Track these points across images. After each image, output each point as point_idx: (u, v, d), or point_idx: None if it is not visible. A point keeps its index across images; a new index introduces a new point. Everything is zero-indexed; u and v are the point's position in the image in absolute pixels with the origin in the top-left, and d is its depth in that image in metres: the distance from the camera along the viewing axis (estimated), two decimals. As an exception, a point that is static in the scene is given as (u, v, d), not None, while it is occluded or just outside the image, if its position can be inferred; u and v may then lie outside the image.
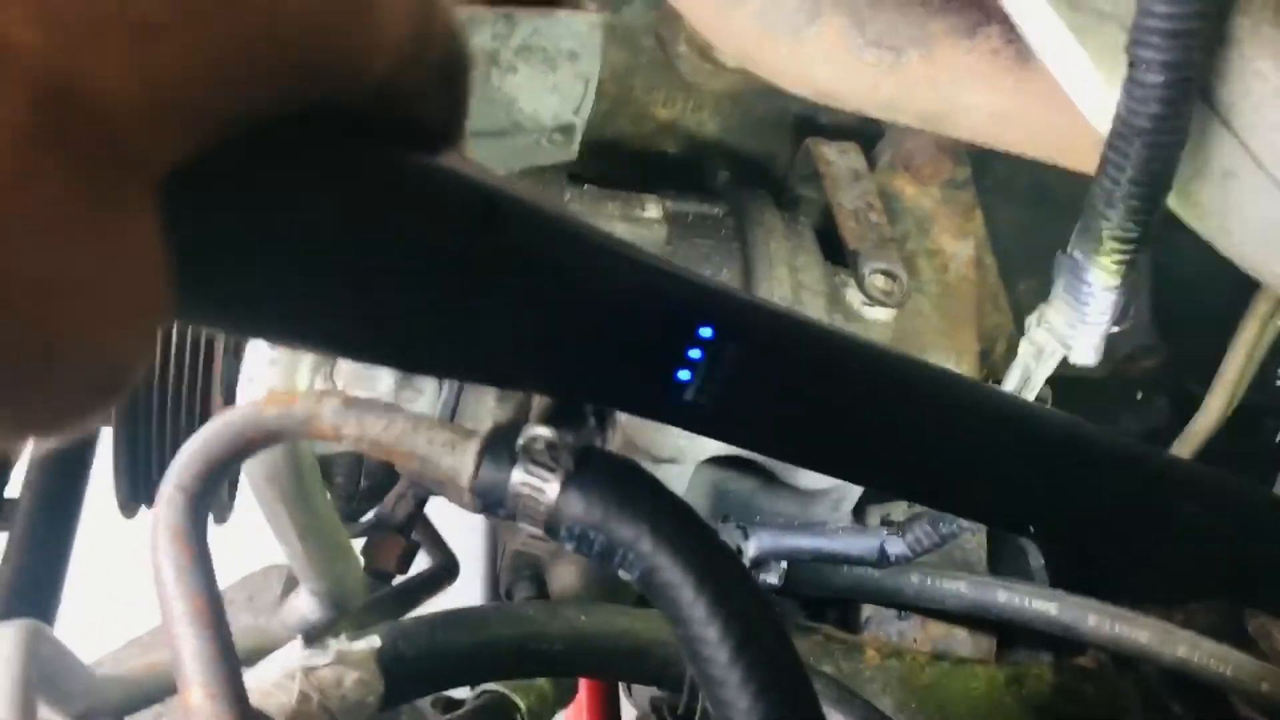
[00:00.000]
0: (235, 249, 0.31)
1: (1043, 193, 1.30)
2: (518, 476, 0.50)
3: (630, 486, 0.50)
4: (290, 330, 0.36)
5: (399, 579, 1.27)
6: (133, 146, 0.23)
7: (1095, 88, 0.62)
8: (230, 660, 0.48)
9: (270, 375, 0.56)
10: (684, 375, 0.44)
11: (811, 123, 1.22)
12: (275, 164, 0.31)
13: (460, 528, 1.46)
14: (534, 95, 0.86)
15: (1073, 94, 0.64)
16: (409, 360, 0.42)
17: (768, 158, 1.22)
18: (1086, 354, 0.71)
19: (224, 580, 0.53)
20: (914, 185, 1.18)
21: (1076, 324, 0.68)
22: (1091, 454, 0.52)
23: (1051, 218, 1.27)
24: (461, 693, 0.92)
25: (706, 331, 0.43)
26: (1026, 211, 1.31)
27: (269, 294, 0.34)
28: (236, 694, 0.47)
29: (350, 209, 0.33)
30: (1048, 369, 0.72)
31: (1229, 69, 0.58)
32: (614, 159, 1.13)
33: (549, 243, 0.40)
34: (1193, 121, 0.60)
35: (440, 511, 1.34)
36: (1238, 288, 1.27)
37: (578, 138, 0.91)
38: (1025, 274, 1.31)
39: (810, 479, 0.81)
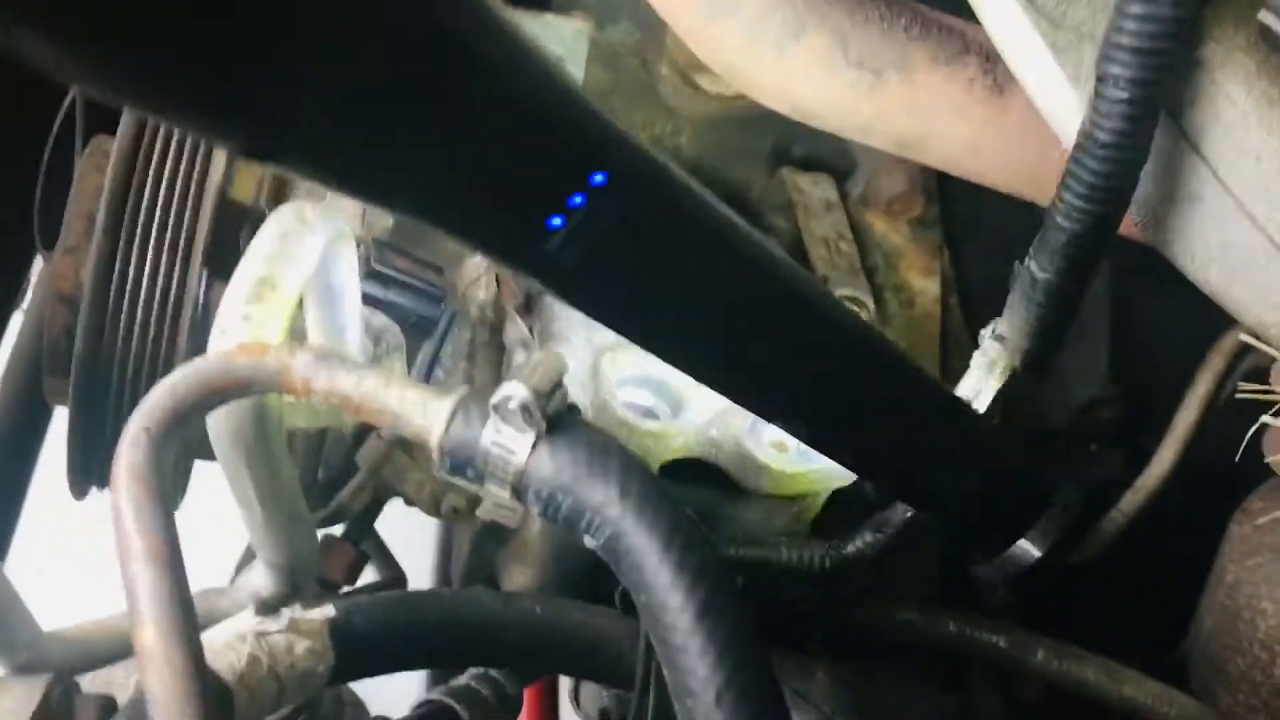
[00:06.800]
0: None
1: (1008, 237, 1.32)
2: (489, 435, 0.50)
3: (601, 451, 0.50)
4: None
5: (345, 590, 1.26)
6: None
7: (1068, 105, 0.64)
8: (185, 601, 0.47)
9: (243, 330, 0.56)
10: (556, 220, 0.41)
11: (786, 154, 1.24)
12: None
13: (409, 545, 1.45)
14: (518, 95, 0.87)
15: (1045, 110, 0.66)
16: None
17: (742, 185, 1.23)
18: (1036, 371, 0.72)
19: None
20: (884, 220, 1.20)
21: (1029, 338, 0.69)
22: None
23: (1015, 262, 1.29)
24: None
25: (599, 178, 0.40)
26: (991, 256, 1.33)
27: None
28: (190, 635, 0.47)
29: None
30: (998, 382, 0.73)
31: (1199, 93, 0.60)
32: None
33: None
34: (1160, 145, 0.61)
35: (390, 527, 1.33)
36: (1195, 342, 1.30)
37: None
38: (988, 318, 1.33)
39: (772, 484, 0.82)
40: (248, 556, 0.73)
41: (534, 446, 0.49)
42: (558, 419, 0.50)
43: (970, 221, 1.31)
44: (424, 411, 0.51)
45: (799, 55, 0.82)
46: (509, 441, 0.50)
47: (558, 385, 0.50)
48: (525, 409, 0.49)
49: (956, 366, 1.31)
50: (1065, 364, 1.36)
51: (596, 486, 0.49)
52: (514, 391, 0.49)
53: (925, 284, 1.21)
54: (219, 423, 0.58)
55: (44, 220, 1.35)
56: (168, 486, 0.50)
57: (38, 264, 1.31)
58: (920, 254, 1.21)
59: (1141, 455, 1.34)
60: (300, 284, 0.59)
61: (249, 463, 0.58)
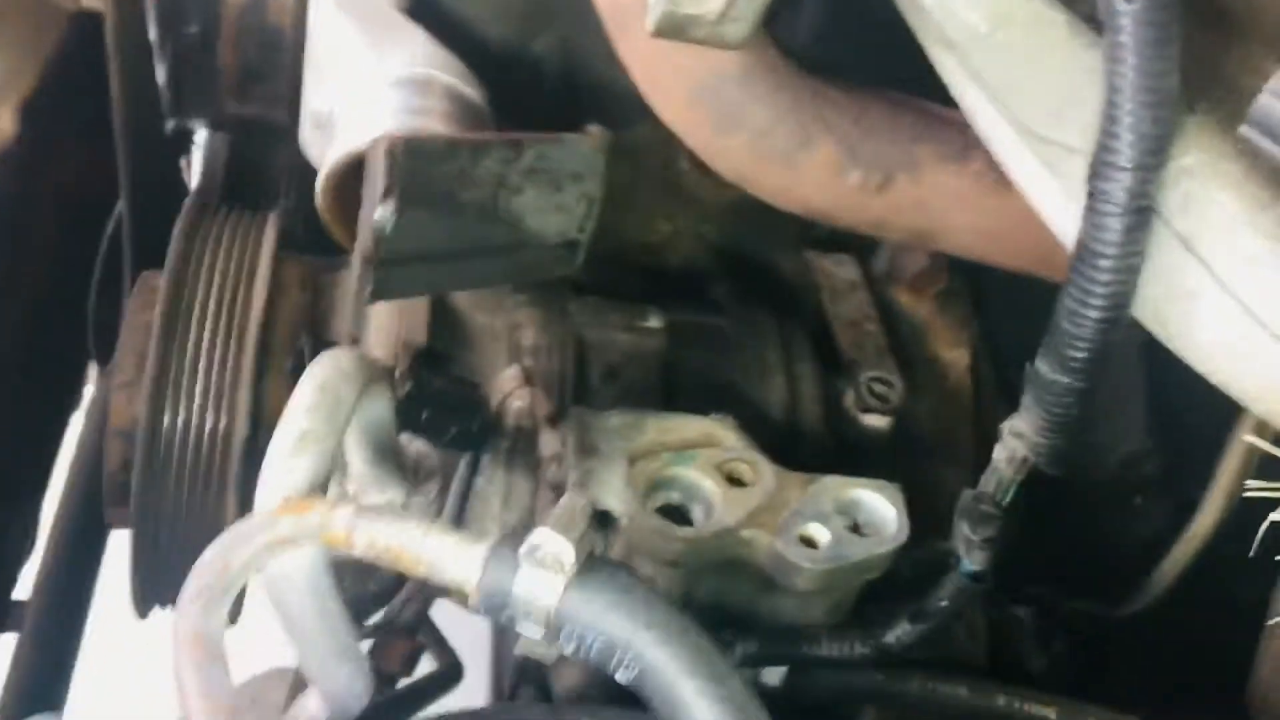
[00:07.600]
0: None
1: (1044, 290, 1.33)
2: (521, 582, 0.53)
3: (627, 591, 0.53)
4: None
5: (403, 681, 1.29)
6: None
7: (1064, 216, 0.66)
8: (244, 760, 0.50)
9: (287, 482, 0.60)
10: None
11: (810, 233, 1.26)
12: None
13: (466, 627, 1.48)
14: (539, 214, 0.90)
15: (1047, 221, 0.68)
16: None
17: (767, 267, 1.26)
18: (1055, 464, 0.74)
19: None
20: (910, 294, 1.22)
21: (1045, 434, 0.71)
22: None
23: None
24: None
25: None
26: (1025, 313, 1.34)
27: None
28: (249, 793, 0.50)
29: None
30: (1020, 475, 0.75)
31: (1190, 200, 0.62)
32: (618, 269, 1.17)
33: None
34: (1157, 247, 0.63)
35: (445, 611, 1.36)
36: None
37: (582, 253, 0.95)
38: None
39: (806, 581, 0.83)
40: (301, 683, 0.76)
41: (564, 591, 0.52)
42: (586, 562, 0.53)
43: (1003, 280, 1.32)
44: (458, 562, 0.54)
45: (807, 164, 0.85)
46: (540, 587, 0.52)
47: (584, 528, 0.53)
48: (554, 556, 0.52)
49: (993, 434, 1.32)
50: (1101, 419, 1.36)
51: (625, 626, 0.52)
52: (542, 539, 0.52)
53: (955, 355, 1.23)
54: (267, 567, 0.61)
55: (98, 333, 1.42)
56: (223, 644, 0.53)
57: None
58: (948, 326, 1.23)
59: (1189, 504, 1.34)
60: (340, 432, 0.63)
61: (297, 603, 0.62)
